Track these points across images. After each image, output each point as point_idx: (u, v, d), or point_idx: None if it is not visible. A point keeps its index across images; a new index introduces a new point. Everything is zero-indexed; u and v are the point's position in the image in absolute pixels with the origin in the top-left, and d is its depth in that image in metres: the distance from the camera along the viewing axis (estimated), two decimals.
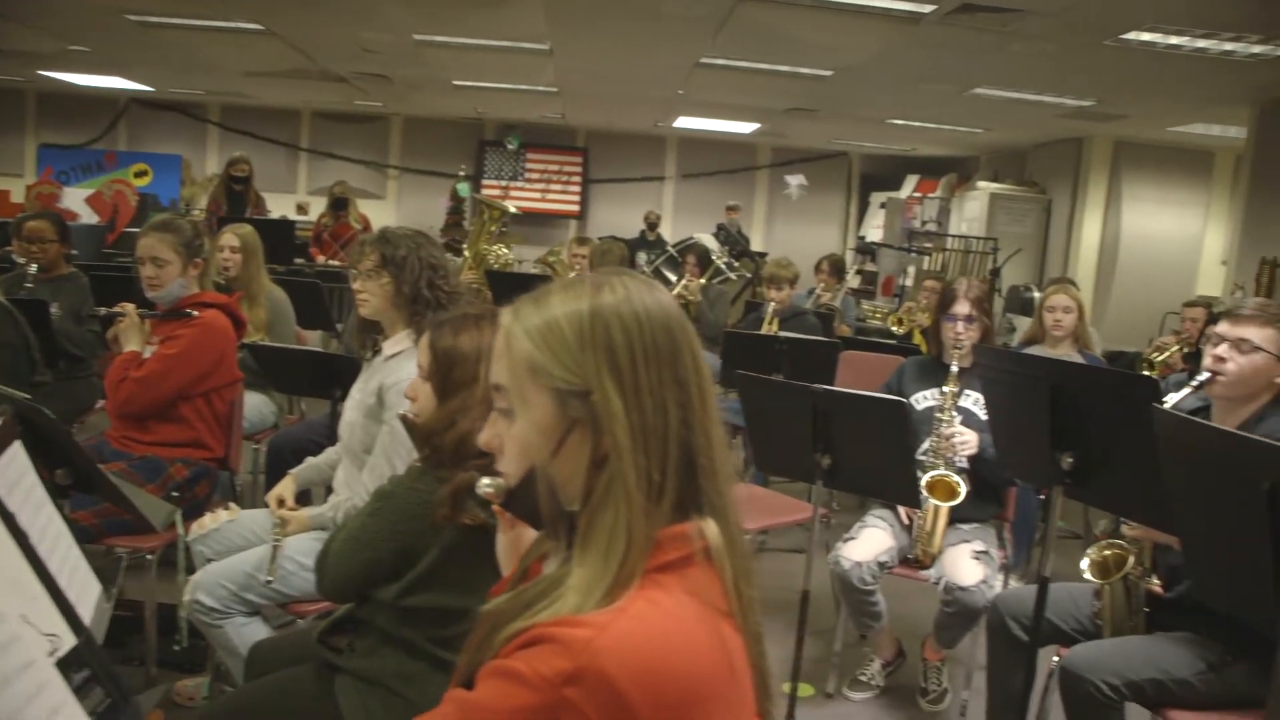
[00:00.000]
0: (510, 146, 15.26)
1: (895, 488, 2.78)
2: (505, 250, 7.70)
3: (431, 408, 2.14)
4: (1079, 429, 2.30)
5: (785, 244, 14.90)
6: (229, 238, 4.77)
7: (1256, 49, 7.06)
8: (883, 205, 15.04)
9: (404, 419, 2.22)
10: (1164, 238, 11.81)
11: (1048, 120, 10.91)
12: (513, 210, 7.60)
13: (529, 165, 15.59)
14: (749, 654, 1.14)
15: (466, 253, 7.70)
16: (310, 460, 3.16)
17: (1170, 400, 2.55)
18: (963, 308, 3.43)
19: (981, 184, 12.84)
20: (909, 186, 14.82)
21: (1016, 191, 12.63)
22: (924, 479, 3.33)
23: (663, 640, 1.04)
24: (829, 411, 2.72)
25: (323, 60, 10.28)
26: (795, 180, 13.37)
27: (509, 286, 6.97)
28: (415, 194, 15.21)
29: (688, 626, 1.06)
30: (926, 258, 11.95)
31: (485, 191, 14.33)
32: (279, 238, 7.60)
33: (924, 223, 13.33)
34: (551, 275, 7.92)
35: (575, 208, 15.79)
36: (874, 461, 2.75)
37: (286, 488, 3.00)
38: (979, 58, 8.00)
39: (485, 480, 1.34)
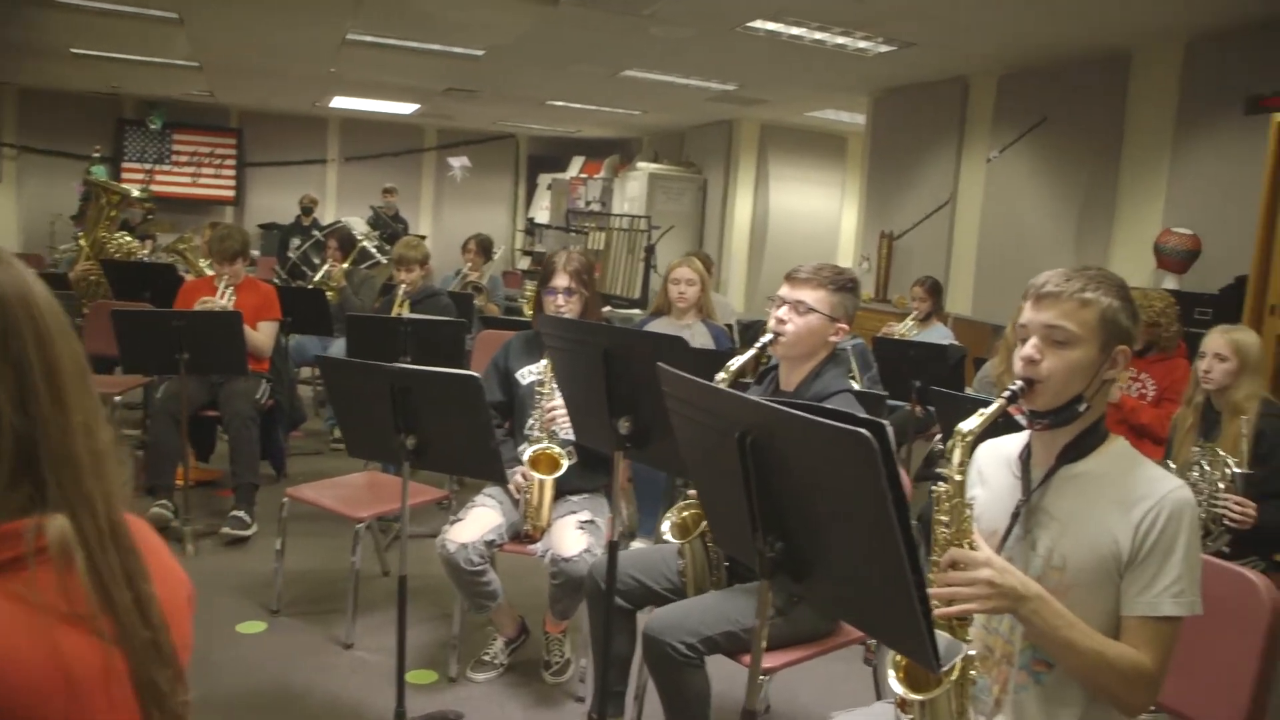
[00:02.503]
0: (153, 126, 14.13)
1: (479, 464, 2.74)
2: (129, 239, 7.09)
3: None
4: (632, 393, 2.34)
5: (454, 226, 14.78)
6: None
7: (863, 44, 7.64)
8: (549, 186, 15.18)
9: None
10: (808, 214, 12.65)
11: (699, 103, 11.37)
12: (135, 193, 6.99)
13: (176, 147, 14.49)
14: (130, 662, 1.02)
15: (82, 241, 7.03)
16: None
17: (735, 363, 2.66)
18: (562, 280, 3.45)
19: (641, 164, 13.22)
20: (575, 167, 15.05)
21: (673, 171, 13.11)
22: (527, 453, 3.33)
23: None
24: (406, 390, 2.64)
25: None
26: (458, 162, 13.25)
27: (131, 277, 6.45)
28: (39, 177, 13.62)
29: None
30: (587, 236, 12.16)
31: (126, 175, 13.25)
32: None
33: (588, 203, 13.57)
34: (184, 264, 7.40)
35: (230, 193, 14.87)
36: (456, 439, 2.70)
37: None
38: (622, 40, 8.19)
39: None
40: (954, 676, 1.66)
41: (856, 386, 4.46)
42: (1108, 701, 1.72)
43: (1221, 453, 3.34)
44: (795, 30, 7.44)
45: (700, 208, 13.11)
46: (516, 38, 8.42)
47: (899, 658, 1.70)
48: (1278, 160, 5.21)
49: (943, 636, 1.67)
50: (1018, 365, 1.79)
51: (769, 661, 2.48)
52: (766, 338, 2.65)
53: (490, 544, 3.26)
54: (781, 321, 2.65)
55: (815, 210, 12.75)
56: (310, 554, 4.55)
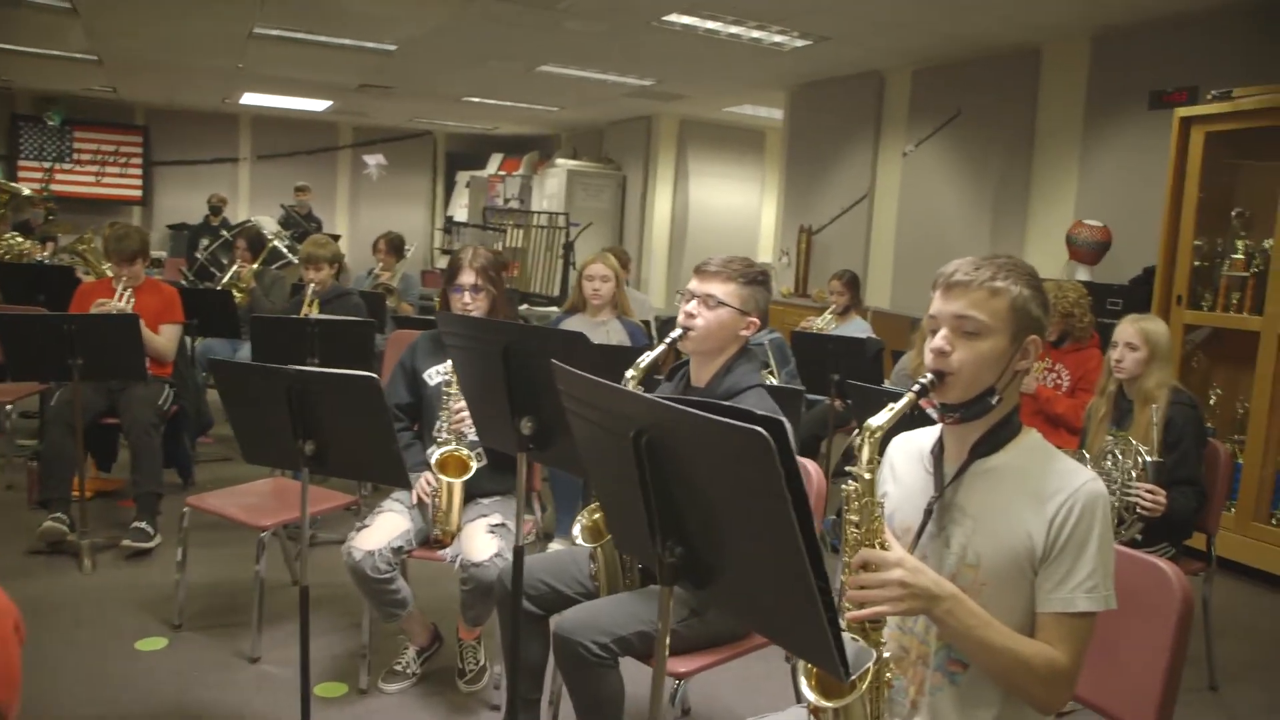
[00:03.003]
0: (52, 123, 13.63)
1: (381, 468, 2.62)
2: (20, 240, 6.79)
3: None
4: (533, 392, 2.26)
5: (371, 226, 14.45)
6: None
7: (778, 38, 7.64)
8: (468, 184, 15.00)
9: None
10: (728, 209, 12.65)
11: (617, 99, 11.30)
12: (26, 192, 6.71)
13: (78, 145, 14.01)
14: None
15: None
16: None
17: (645, 359, 2.59)
18: (468, 277, 3.35)
19: (560, 161, 13.12)
20: (494, 165, 14.89)
21: (592, 168, 13.03)
22: (434, 455, 3.23)
23: None
24: (304, 393, 2.52)
25: None
26: (374, 160, 13.02)
27: (24, 280, 6.19)
28: None
29: None
30: (505, 234, 12.03)
31: (23, 175, 12.77)
32: None
33: (506, 200, 13.42)
34: (84, 265, 7.13)
35: (137, 192, 14.43)
36: (357, 442, 2.58)
37: None
38: (536, 34, 8.09)
39: None
40: (867, 682, 1.60)
41: (772, 381, 4.43)
42: (1024, 700, 1.68)
43: (1133, 441, 3.36)
44: (711, 24, 7.41)
45: (620, 204, 13.05)
46: (428, 32, 8.27)
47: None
48: (1180, 155, 5.30)
49: (853, 642, 1.62)
50: (928, 358, 1.74)
51: (683, 665, 2.41)
52: (675, 333, 2.58)
53: (398, 550, 3.15)
54: (691, 316, 2.58)
55: (735, 206, 12.76)
56: (215, 565, 4.39)
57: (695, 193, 12.45)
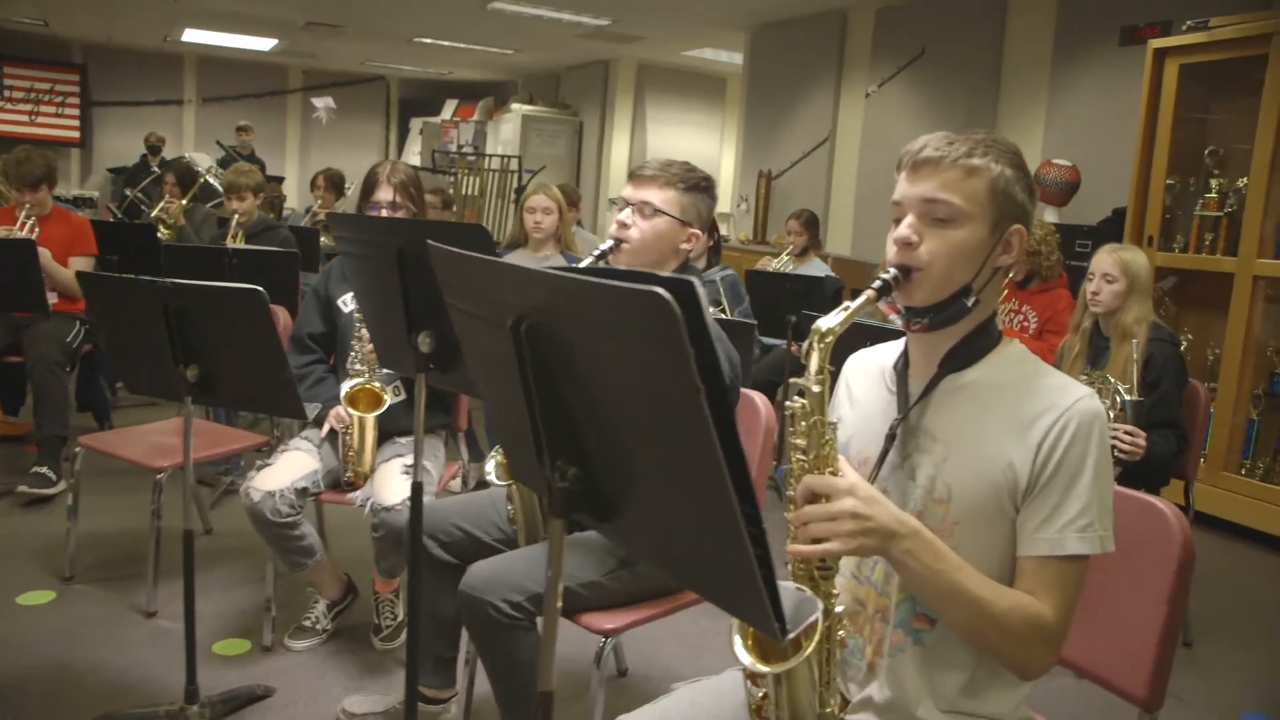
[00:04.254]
0: None
1: (272, 397, 2.31)
2: None
3: None
4: (434, 302, 1.93)
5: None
6: None
7: None
8: (421, 131, 14.54)
9: None
10: (687, 156, 11.82)
11: (572, 41, 10.90)
12: None
13: (10, 82, 13.39)
14: None
15: None
16: None
17: (547, 263, 2.27)
18: (385, 194, 3.01)
19: (515, 106, 12.72)
20: (448, 111, 14.43)
21: (548, 113, 12.65)
22: (344, 388, 2.91)
23: None
24: (182, 310, 2.20)
25: None
26: (322, 103, 12.53)
27: None
28: None
29: None
30: (458, 179, 11.63)
31: None
32: None
33: (460, 146, 12.99)
34: None
35: (74, 134, 13.84)
36: (246, 368, 2.26)
37: None
38: None
39: None
40: (815, 641, 1.31)
41: (724, 316, 4.14)
42: (1001, 663, 1.38)
43: (1111, 379, 3.10)
44: None
45: (576, 150, 12.67)
46: None
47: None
48: (1153, 90, 5.04)
49: (797, 592, 1.33)
50: (890, 251, 1.44)
51: (609, 622, 2.12)
52: (606, 244, 2.27)
53: (303, 492, 2.83)
54: (624, 226, 2.27)
55: (694, 153, 12.40)
56: (119, 513, 4.05)
57: (654, 140, 12.10)
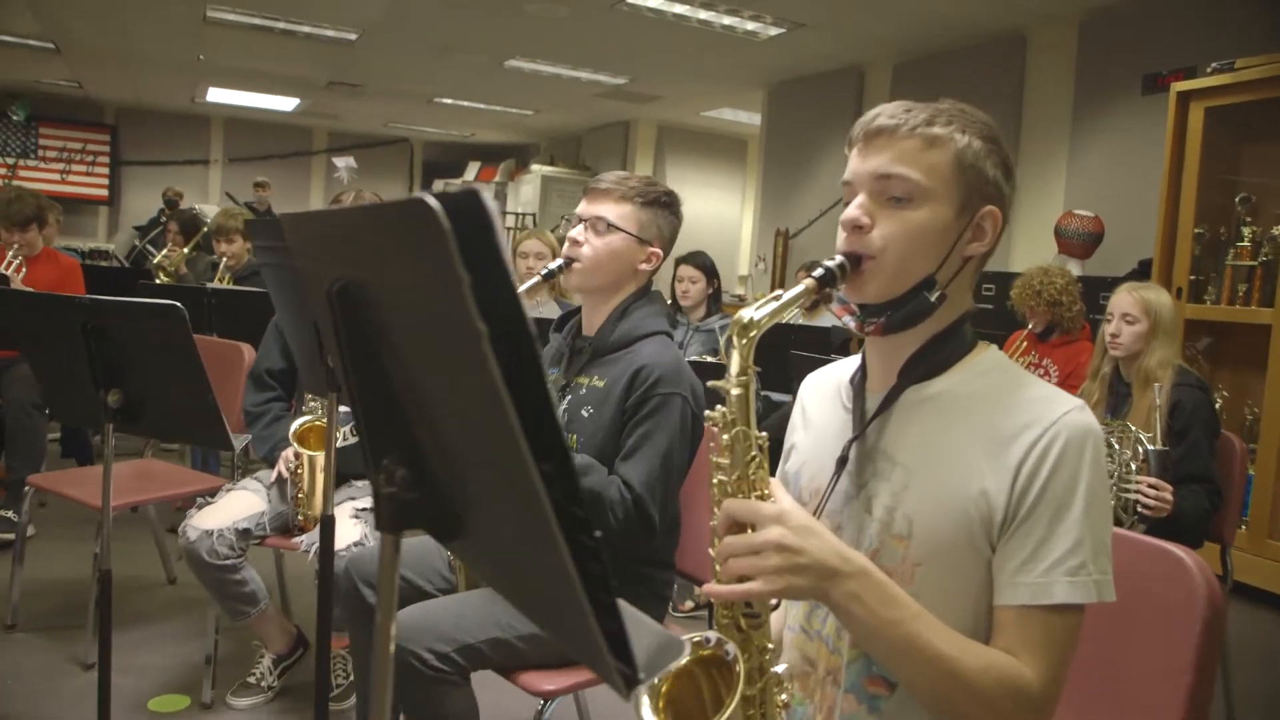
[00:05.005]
0: (17, 118, 13.16)
1: (197, 426, 2.10)
2: None
3: None
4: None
5: None
6: None
7: (751, 25, 7.19)
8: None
9: None
10: (708, 217, 12.17)
11: (591, 101, 10.86)
12: None
13: (43, 141, 13.53)
14: None
15: None
16: None
17: (538, 312, 2.07)
18: None
19: (535, 167, 12.71)
20: (471, 173, 14.48)
21: (568, 174, 12.62)
22: (294, 427, 2.70)
23: None
24: (102, 329, 2.00)
25: None
26: (343, 162, 12.52)
27: None
28: None
29: None
30: None
31: None
32: None
33: None
34: None
35: (103, 192, 13.95)
36: (170, 393, 2.06)
37: None
38: (497, 19, 7.64)
39: None
40: (731, 704, 1.06)
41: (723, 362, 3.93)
42: None
43: (1133, 428, 2.81)
44: (679, 8, 6.95)
45: None
46: (387, 17, 7.82)
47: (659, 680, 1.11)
48: (1178, 135, 4.82)
49: (657, 629, 1.09)
50: (839, 238, 1.22)
51: (551, 683, 1.87)
52: (555, 263, 2.07)
53: (245, 534, 2.61)
54: (575, 243, 2.06)
55: (716, 214, 12.31)
56: (73, 559, 3.83)
57: None
